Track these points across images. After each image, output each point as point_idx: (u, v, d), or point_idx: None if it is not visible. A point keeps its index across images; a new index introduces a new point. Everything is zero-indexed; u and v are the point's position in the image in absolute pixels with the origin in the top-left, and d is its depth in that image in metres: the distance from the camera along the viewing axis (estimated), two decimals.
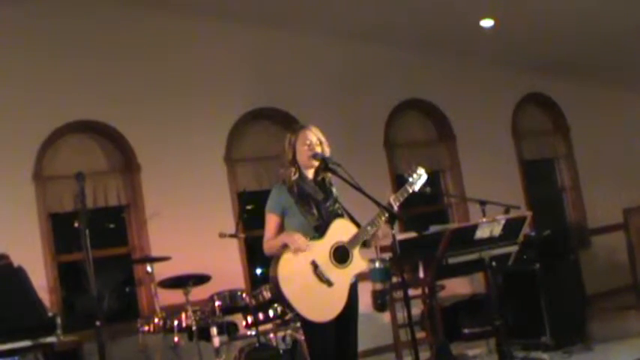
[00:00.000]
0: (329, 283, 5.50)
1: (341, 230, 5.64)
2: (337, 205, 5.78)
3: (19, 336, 6.62)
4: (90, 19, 9.22)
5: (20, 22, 8.87)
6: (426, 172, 6.01)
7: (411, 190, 5.86)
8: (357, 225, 5.69)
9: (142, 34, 9.55)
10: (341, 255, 5.58)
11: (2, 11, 8.68)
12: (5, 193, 8.53)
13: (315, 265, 5.49)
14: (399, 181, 10.42)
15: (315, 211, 5.65)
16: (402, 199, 5.78)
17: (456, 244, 6.96)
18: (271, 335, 7.79)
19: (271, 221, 5.75)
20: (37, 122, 8.82)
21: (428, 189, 6.44)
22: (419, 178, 5.92)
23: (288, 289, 5.45)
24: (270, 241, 5.71)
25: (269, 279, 5.59)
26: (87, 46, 9.21)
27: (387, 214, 5.56)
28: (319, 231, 5.61)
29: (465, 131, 11.58)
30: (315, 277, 5.49)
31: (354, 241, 5.62)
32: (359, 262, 5.66)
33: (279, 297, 5.56)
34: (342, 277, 5.56)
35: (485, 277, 8.04)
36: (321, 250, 5.55)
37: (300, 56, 10.50)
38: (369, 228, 5.62)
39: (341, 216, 5.73)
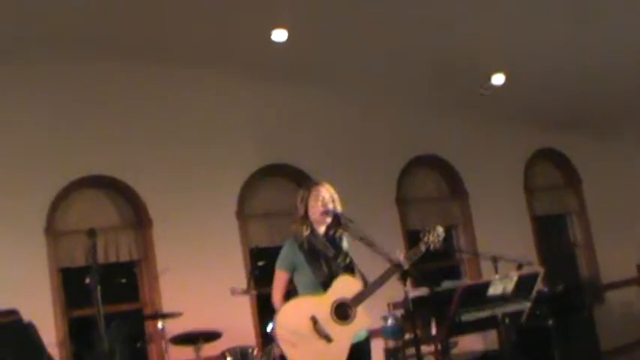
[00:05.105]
0: (328, 339, 5.47)
1: (345, 286, 5.61)
2: (348, 261, 5.77)
3: None
4: (101, 75, 9.25)
5: (32, 77, 8.93)
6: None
7: (424, 249, 5.80)
8: (365, 282, 5.67)
9: (154, 90, 9.58)
10: (343, 312, 5.55)
11: (17, 67, 8.75)
12: (17, 247, 8.51)
13: (314, 321, 5.47)
14: (412, 237, 10.43)
15: (325, 268, 5.66)
16: (414, 259, 5.73)
17: (468, 300, 6.93)
18: None
19: (280, 278, 5.80)
20: (49, 176, 8.84)
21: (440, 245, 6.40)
22: (436, 238, 5.84)
23: (286, 345, 5.49)
24: (279, 301, 5.75)
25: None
26: (98, 102, 9.23)
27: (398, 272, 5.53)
28: (326, 288, 5.60)
29: (476, 187, 11.56)
30: (315, 332, 5.47)
31: (358, 298, 5.58)
32: (363, 319, 5.62)
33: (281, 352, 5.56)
34: (343, 334, 5.52)
35: (499, 333, 7.98)
36: (322, 305, 5.54)
37: (313, 112, 10.51)
38: (375, 287, 5.59)
39: (351, 271, 5.72)
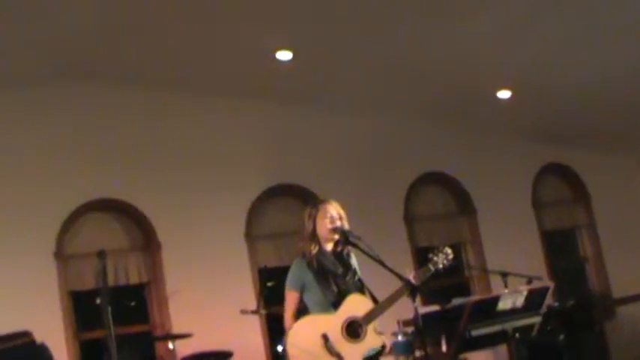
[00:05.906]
0: (339, 357, 5.47)
1: (356, 305, 5.63)
2: (357, 278, 5.78)
3: None
4: (109, 100, 9.33)
5: (41, 101, 8.99)
6: (448, 245, 6.03)
7: (433, 270, 5.84)
8: (374, 299, 5.68)
9: (162, 114, 9.65)
10: (354, 330, 5.56)
11: (24, 91, 8.82)
12: (27, 270, 8.55)
13: (325, 338, 5.48)
14: (420, 255, 10.40)
15: (334, 287, 5.68)
16: (423, 279, 5.76)
17: (478, 316, 6.91)
18: None
19: (290, 298, 5.80)
20: (58, 201, 8.89)
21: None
22: (444, 258, 5.91)
23: None
24: (289, 321, 5.74)
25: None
26: (107, 126, 9.31)
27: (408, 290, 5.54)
28: (336, 306, 5.60)
29: (485, 203, 11.54)
30: (325, 350, 5.47)
31: (368, 316, 5.59)
32: (373, 338, 5.63)
33: None
34: (354, 352, 5.53)
35: (509, 348, 7.96)
36: (333, 323, 5.55)
37: (319, 132, 10.54)
38: (386, 305, 5.60)
39: (360, 289, 5.73)
